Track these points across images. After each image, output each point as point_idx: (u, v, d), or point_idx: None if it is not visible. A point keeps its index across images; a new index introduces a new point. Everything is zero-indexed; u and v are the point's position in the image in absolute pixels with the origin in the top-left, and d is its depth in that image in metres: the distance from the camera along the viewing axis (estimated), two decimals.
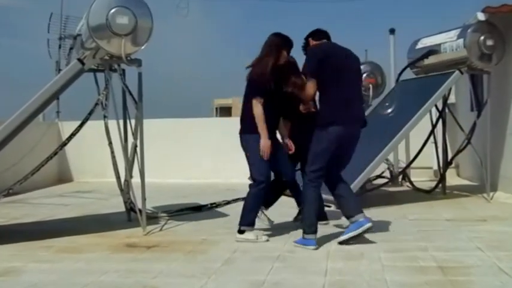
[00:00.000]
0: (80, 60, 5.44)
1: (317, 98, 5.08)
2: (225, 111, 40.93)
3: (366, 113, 6.17)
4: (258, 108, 4.87)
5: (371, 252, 4.43)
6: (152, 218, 6.09)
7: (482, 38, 6.95)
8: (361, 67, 5.83)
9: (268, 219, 5.45)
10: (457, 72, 7.10)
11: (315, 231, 4.70)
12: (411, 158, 8.48)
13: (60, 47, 10.67)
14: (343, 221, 5.72)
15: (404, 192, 7.96)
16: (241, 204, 5.96)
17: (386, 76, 9.37)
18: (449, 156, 8.12)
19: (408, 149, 9.30)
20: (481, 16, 6.99)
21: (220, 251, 4.61)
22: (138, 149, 5.66)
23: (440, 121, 7.88)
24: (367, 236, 4.86)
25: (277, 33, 5.13)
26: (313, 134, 4.81)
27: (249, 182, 5.15)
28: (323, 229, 5.36)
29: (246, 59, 5.71)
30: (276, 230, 5.43)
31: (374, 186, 8.10)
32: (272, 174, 5.24)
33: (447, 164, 8.05)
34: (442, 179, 7.95)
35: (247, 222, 5.01)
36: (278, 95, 5.01)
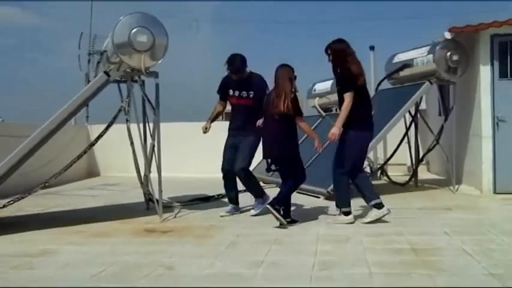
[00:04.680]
0: (106, 73, 5.43)
1: None
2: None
3: None
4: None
5: (354, 237, 4.41)
6: (167, 207, 6.08)
7: (448, 53, 6.95)
8: None
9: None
10: (427, 82, 7.08)
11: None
12: (388, 155, 8.47)
13: (89, 61, 10.69)
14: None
15: (382, 185, 7.93)
16: (243, 195, 5.98)
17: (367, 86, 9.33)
18: (421, 154, 8.12)
19: (386, 148, 9.28)
20: (447, 35, 6.97)
21: (226, 236, 4.60)
22: (155, 148, 5.66)
23: (413, 124, 7.89)
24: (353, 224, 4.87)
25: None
26: None
27: None
28: (313, 216, 5.38)
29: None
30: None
31: None
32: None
33: (419, 161, 8.05)
34: (414, 173, 7.94)
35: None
36: None
